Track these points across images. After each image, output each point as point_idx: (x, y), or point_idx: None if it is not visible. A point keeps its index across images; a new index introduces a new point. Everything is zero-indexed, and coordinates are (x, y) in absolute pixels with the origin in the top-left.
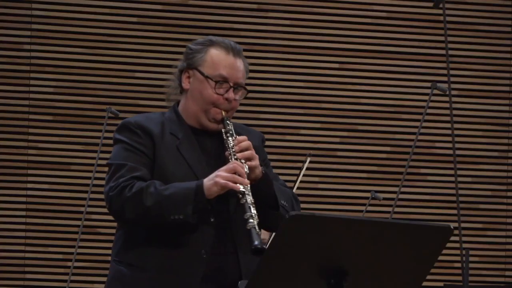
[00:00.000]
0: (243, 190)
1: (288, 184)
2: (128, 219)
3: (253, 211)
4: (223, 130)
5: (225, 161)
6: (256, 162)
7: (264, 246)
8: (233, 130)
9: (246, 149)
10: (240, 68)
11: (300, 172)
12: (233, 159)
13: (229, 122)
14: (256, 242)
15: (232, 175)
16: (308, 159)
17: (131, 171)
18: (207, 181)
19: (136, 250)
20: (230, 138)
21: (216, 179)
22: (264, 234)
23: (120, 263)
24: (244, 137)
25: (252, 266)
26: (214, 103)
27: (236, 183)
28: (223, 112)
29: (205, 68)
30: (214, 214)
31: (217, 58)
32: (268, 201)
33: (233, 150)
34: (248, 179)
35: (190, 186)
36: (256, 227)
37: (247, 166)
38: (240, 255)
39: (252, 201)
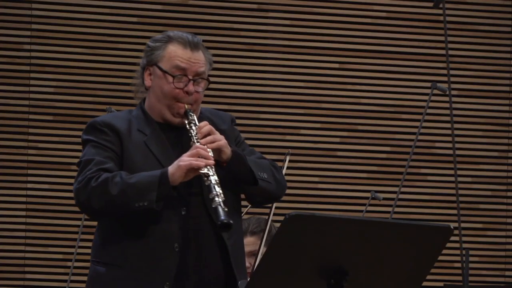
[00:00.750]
0: (207, 171)
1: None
2: (94, 209)
3: (218, 190)
4: (185, 122)
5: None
6: (220, 143)
7: (231, 221)
8: (196, 120)
9: (208, 133)
10: (198, 60)
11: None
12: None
13: (192, 114)
14: (222, 217)
15: (193, 154)
16: (288, 158)
17: (98, 164)
18: (170, 168)
19: (111, 249)
20: (193, 128)
21: (179, 163)
22: (254, 244)
23: (97, 263)
24: (204, 123)
25: (238, 253)
26: (175, 98)
27: (197, 162)
28: (186, 106)
29: (164, 63)
30: (185, 206)
31: (174, 53)
32: (246, 178)
33: (196, 137)
34: (219, 162)
35: (154, 174)
36: (222, 204)
37: (210, 150)
38: (227, 241)
39: (217, 180)
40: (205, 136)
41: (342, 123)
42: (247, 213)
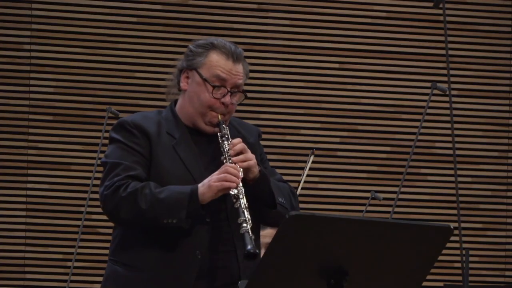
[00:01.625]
0: (237, 193)
1: (292, 184)
2: (122, 219)
3: (247, 215)
4: (219, 134)
5: (220, 165)
6: (250, 162)
7: (257, 251)
8: (228, 134)
9: (241, 152)
10: (238, 73)
11: (304, 171)
12: (227, 163)
13: (225, 126)
14: (249, 247)
15: (224, 175)
16: (312, 157)
17: (126, 170)
18: (201, 186)
19: (132, 250)
20: (225, 142)
21: (210, 183)
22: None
23: (115, 262)
24: (238, 140)
25: (251, 264)
26: (211, 107)
27: (229, 183)
28: (220, 116)
29: (204, 71)
30: (210, 214)
31: (216, 62)
32: (266, 199)
33: (228, 154)
34: (245, 180)
35: (184, 191)
36: (250, 231)
37: (241, 169)
38: (239, 253)
39: (246, 205)
40: (237, 154)
41: (342, 123)
42: None
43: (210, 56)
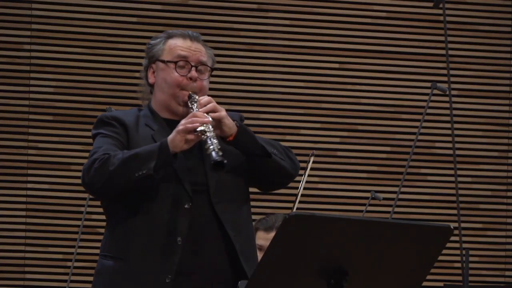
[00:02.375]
0: (203, 128)
1: (292, 184)
2: (97, 188)
3: (214, 140)
4: (188, 102)
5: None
6: (221, 113)
7: (225, 160)
8: (197, 98)
9: (208, 103)
10: (199, 49)
11: (305, 172)
12: None
13: (195, 96)
14: (215, 157)
15: (190, 119)
16: (312, 158)
17: (105, 151)
18: (170, 136)
19: (117, 242)
20: (194, 105)
21: (176, 129)
22: (263, 237)
23: (104, 257)
24: (205, 96)
25: (246, 246)
26: (179, 85)
27: (193, 124)
28: (191, 92)
29: (165, 56)
30: (190, 202)
31: (174, 44)
32: (256, 152)
33: (196, 110)
34: (222, 135)
35: (155, 144)
36: (216, 148)
37: (210, 118)
38: (233, 238)
39: (214, 135)
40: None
41: (342, 123)
42: (271, 213)
43: (167, 42)
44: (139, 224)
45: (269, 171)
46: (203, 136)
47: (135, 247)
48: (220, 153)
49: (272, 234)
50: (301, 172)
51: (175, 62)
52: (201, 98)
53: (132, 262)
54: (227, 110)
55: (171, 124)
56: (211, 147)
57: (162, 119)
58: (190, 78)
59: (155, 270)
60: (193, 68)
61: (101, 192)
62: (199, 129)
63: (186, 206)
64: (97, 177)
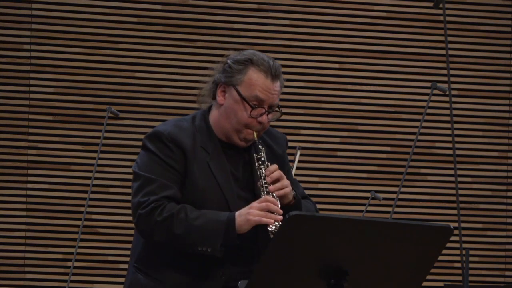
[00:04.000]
0: (275, 229)
1: None
2: (156, 241)
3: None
4: (255, 156)
5: (255, 188)
6: (286, 190)
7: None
8: (265, 158)
9: (277, 179)
10: (276, 91)
11: (292, 166)
12: (265, 192)
13: (261, 147)
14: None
15: (264, 213)
16: (298, 152)
17: (162, 189)
18: (238, 217)
19: (156, 261)
20: (262, 169)
21: (248, 216)
22: None
23: (139, 270)
24: (275, 167)
25: None
26: (247, 125)
27: (267, 219)
28: (255, 133)
29: (243, 89)
30: (240, 237)
31: (255, 81)
32: None
33: (265, 181)
34: (280, 205)
35: (221, 219)
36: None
37: (278, 199)
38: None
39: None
40: (274, 182)
41: (342, 123)
42: None
43: (249, 74)
44: (183, 252)
45: None
46: (271, 236)
47: (176, 273)
48: None
49: None
50: (300, 172)
51: (252, 107)
52: (271, 168)
53: (171, 287)
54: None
55: (225, 146)
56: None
57: (217, 140)
58: (259, 122)
59: None
60: (266, 113)
61: (158, 243)
62: (270, 228)
63: (237, 242)
64: (159, 232)
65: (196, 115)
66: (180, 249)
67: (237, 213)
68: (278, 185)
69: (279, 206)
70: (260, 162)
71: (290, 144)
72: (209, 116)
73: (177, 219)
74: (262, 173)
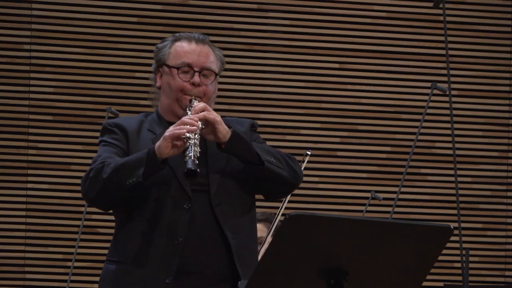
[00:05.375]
0: (189, 135)
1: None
2: (92, 199)
3: (195, 148)
4: (187, 109)
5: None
6: (210, 116)
7: (198, 170)
8: (195, 104)
9: (202, 109)
10: (204, 53)
11: None
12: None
13: (195, 100)
14: (189, 165)
15: (178, 126)
16: (307, 158)
17: (103, 159)
18: (157, 142)
19: (120, 247)
20: (190, 110)
21: (164, 135)
22: (261, 232)
23: (109, 261)
24: (200, 103)
25: (245, 254)
26: (182, 90)
27: (180, 130)
28: (192, 97)
29: (170, 60)
30: (189, 202)
31: (180, 48)
32: (250, 159)
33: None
34: (216, 141)
35: (143, 151)
36: (193, 156)
37: (200, 123)
38: (230, 240)
39: (197, 142)
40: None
41: (342, 123)
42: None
43: (173, 45)
44: (139, 227)
45: (264, 179)
46: (187, 143)
47: (135, 250)
48: (196, 161)
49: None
50: None
51: (178, 68)
52: (196, 104)
53: (132, 264)
54: (224, 110)
55: None
56: (190, 154)
57: (167, 123)
58: (193, 84)
59: (155, 272)
60: (196, 74)
61: (96, 202)
62: (185, 136)
63: (185, 206)
64: (91, 186)
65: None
66: (114, 195)
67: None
68: (202, 112)
69: (201, 125)
70: (190, 108)
71: (292, 145)
72: (159, 108)
73: (106, 167)
74: (190, 113)
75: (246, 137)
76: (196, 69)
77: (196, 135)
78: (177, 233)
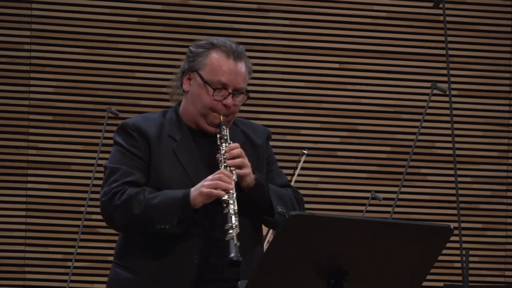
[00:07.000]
0: (227, 198)
1: None
2: (116, 226)
3: (234, 221)
4: (218, 136)
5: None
6: (246, 170)
7: (240, 259)
8: (228, 136)
9: (237, 156)
10: (240, 73)
11: (295, 171)
12: (222, 166)
13: (224, 128)
14: (232, 255)
15: (215, 182)
16: (303, 157)
17: (124, 176)
18: (193, 191)
19: (133, 253)
20: (223, 144)
21: (201, 189)
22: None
23: (118, 265)
24: (236, 145)
25: (249, 268)
26: (212, 109)
27: (220, 189)
28: (221, 117)
29: (205, 72)
30: (208, 218)
31: (217, 63)
32: (264, 208)
33: (224, 157)
34: (239, 187)
35: (176, 196)
36: (235, 238)
37: (235, 174)
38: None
39: (236, 210)
40: (233, 158)
41: (342, 123)
42: None
43: (210, 56)
44: (156, 238)
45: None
46: (224, 205)
47: (151, 261)
48: (238, 244)
49: None
50: (300, 172)
51: (214, 89)
52: (232, 145)
53: (146, 275)
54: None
55: (195, 133)
56: (230, 232)
57: (187, 128)
58: (225, 105)
59: (169, 286)
60: (230, 95)
61: (120, 230)
62: (223, 197)
63: (206, 223)
64: (118, 215)
65: (168, 109)
66: (141, 231)
67: (192, 188)
68: (237, 160)
69: (234, 177)
70: (222, 140)
71: (292, 144)
72: (180, 107)
73: (135, 200)
74: (222, 148)
75: (267, 187)
76: (230, 90)
77: (234, 196)
78: (195, 250)
